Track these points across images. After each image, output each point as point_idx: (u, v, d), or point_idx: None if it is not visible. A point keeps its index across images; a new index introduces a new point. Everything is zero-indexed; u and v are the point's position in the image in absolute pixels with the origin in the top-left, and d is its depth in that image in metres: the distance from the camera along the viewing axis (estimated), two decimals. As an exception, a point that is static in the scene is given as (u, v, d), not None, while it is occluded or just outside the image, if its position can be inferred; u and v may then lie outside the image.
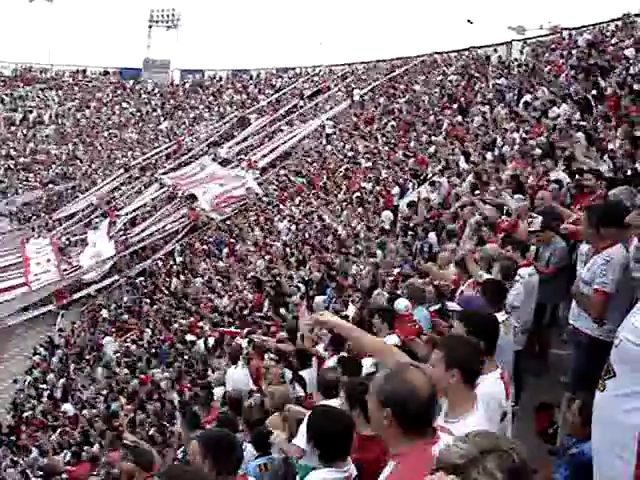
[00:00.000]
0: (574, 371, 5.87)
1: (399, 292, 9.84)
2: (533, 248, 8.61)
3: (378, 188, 23.83)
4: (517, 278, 7.19)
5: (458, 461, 2.09)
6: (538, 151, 14.26)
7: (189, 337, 20.53)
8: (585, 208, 6.36)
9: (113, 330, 25.91)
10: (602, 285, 5.37)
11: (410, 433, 2.88)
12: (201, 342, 19.14)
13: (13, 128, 52.34)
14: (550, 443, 5.97)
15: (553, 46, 27.41)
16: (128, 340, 23.99)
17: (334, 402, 5.31)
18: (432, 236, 13.78)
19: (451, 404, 3.59)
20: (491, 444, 2.13)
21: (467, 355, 3.65)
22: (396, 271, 12.85)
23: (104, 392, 20.36)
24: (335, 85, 44.25)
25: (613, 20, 25.86)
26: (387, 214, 19.99)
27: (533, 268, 7.93)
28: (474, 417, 3.44)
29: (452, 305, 6.41)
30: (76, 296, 31.01)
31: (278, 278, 19.96)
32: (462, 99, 27.87)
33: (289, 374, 8.83)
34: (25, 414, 22.01)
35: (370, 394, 3.02)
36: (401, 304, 7.81)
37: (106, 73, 57.93)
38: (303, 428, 4.89)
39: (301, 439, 5.00)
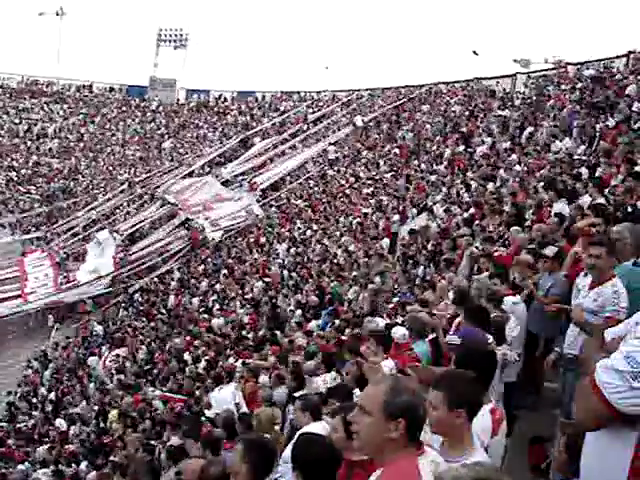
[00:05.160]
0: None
1: (398, 320, 9.77)
2: (533, 278, 8.59)
3: (378, 215, 23.84)
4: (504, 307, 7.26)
5: None
6: (540, 184, 14.28)
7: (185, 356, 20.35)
8: (598, 242, 6.28)
9: (106, 347, 25.80)
10: (615, 313, 5.60)
11: (412, 443, 2.89)
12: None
13: (16, 140, 52.40)
14: (543, 477, 5.92)
15: (557, 80, 27.56)
16: (121, 357, 23.83)
17: (317, 426, 5.26)
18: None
19: (450, 444, 3.51)
20: (486, 474, 2.26)
21: (470, 393, 3.56)
22: (395, 299, 12.81)
23: (95, 408, 20.16)
24: (340, 110, 44.39)
25: (618, 57, 26.01)
26: (385, 242, 20.00)
27: (518, 297, 7.98)
28: (477, 455, 3.38)
29: (452, 338, 6.25)
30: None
31: (275, 301, 19.88)
32: (465, 129, 27.99)
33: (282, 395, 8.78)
34: (16, 426, 21.85)
35: (369, 408, 2.93)
36: (399, 332, 7.68)
37: (112, 89, 58.23)
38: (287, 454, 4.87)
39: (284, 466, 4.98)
